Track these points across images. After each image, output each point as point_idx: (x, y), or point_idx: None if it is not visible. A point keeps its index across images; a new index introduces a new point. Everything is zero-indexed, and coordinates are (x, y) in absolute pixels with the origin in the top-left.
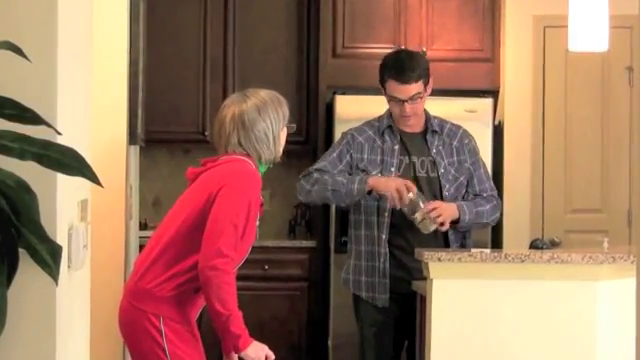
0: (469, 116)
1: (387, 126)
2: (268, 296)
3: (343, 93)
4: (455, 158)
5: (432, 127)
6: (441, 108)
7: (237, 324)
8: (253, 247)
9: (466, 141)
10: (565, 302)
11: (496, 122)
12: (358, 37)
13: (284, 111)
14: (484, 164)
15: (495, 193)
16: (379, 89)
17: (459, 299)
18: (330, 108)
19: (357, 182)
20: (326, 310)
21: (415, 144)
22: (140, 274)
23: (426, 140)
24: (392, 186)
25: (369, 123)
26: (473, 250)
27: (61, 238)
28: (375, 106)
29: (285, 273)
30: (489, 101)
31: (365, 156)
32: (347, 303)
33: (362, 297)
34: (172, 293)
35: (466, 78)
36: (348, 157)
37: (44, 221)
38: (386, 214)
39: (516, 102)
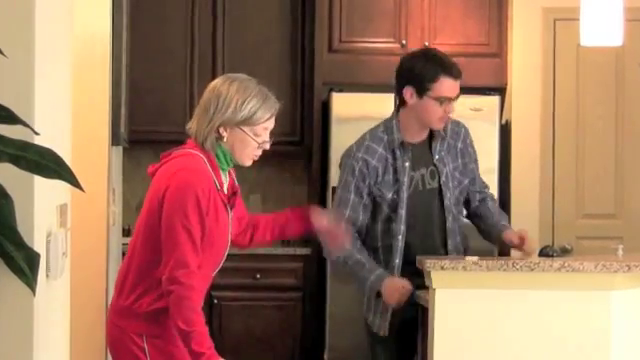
0: (474, 115)
1: (400, 142)
2: (260, 307)
3: (340, 90)
4: (460, 161)
5: (439, 135)
6: None
7: (199, 342)
8: (243, 254)
9: (468, 140)
10: (577, 313)
11: (503, 121)
12: (356, 31)
13: (238, 112)
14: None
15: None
16: (378, 86)
17: (463, 310)
18: (326, 106)
19: (369, 284)
20: (322, 322)
21: (421, 155)
22: (118, 289)
23: (430, 148)
24: (395, 300)
25: (376, 136)
26: (478, 258)
27: (39, 245)
28: (374, 104)
29: (278, 282)
30: (496, 99)
31: (379, 179)
32: (344, 315)
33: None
34: (151, 308)
35: (471, 74)
36: (366, 188)
37: (21, 227)
38: (400, 237)
39: (524, 100)
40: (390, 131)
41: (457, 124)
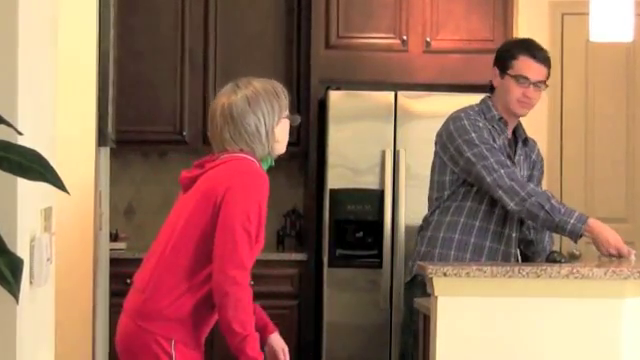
0: None
1: (499, 117)
2: None
3: (337, 88)
4: (529, 172)
5: (523, 136)
6: (447, 105)
7: (253, 346)
8: None
9: (540, 157)
10: (586, 322)
11: None
12: (354, 26)
13: (280, 103)
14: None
15: None
16: (378, 84)
17: (467, 319)
18: (323, 105)
19: (575, 218)
20: (318, 331)
21: (508, 148)
22: (148, 293)
23: (515, 147)
24: (612, 244)
25: (473, 110)
26: (482, 264)
27: (22, 250)
28: (373, 103)
29: (273, 289)
30: None
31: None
32: (341, 323)
33: None
34: (188, 313)
35: (475, 71)
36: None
37: (3, 231)
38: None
39: None
40: (487, 110)
41: (534, 140)
